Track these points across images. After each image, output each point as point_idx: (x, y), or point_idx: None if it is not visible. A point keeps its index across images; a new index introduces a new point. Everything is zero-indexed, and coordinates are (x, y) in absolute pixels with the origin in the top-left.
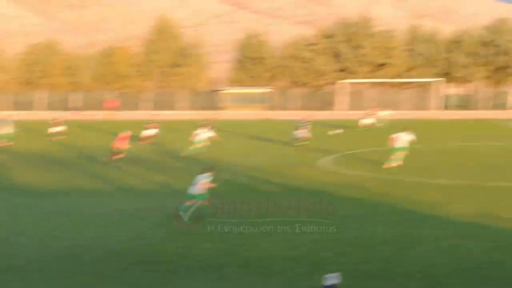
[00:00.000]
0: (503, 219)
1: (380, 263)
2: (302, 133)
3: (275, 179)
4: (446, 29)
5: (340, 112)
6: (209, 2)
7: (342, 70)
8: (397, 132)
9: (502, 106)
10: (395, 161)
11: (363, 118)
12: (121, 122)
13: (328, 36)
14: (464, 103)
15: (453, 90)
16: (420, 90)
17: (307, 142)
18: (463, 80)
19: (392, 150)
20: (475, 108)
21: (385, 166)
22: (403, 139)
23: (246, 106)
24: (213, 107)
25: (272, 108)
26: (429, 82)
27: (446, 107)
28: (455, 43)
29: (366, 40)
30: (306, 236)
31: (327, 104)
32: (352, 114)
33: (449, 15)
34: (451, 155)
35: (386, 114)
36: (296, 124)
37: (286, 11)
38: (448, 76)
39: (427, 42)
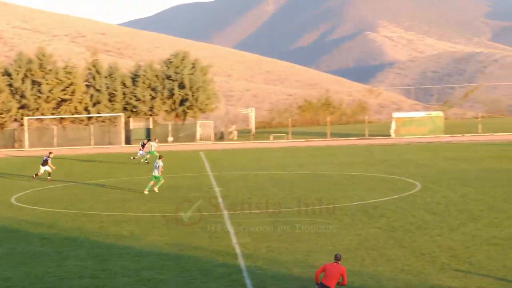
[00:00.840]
0: (192, 247)
1: None
2: (45, 168)
3: None
4: (126, 64)
5: (27, 149)
6: None
7: (24, 107)
8: (155, 160)
9: (189, 138)
10: (152, 187)
11: (138, 151)
12: None
13: (6, 73)
14: (148, 137)
15: (139, 124)
16: (105, 125)
17: (49, 178)
18: (148, 114)
19: (152, 177)
20: (164, 142)
21: (145, 192)
22: (157, 166)
23: None
24: None
25: None
26: (113, 117)
27: (131, 141)
28: (136, 77)
29: (45, 76)
30: None
31: (13, 142)
32: (38, 151)
33: (127, 50)
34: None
35: (154, 145)
36: (43, 159)
37: None
38: (133, 110)
39: (108, 77)
